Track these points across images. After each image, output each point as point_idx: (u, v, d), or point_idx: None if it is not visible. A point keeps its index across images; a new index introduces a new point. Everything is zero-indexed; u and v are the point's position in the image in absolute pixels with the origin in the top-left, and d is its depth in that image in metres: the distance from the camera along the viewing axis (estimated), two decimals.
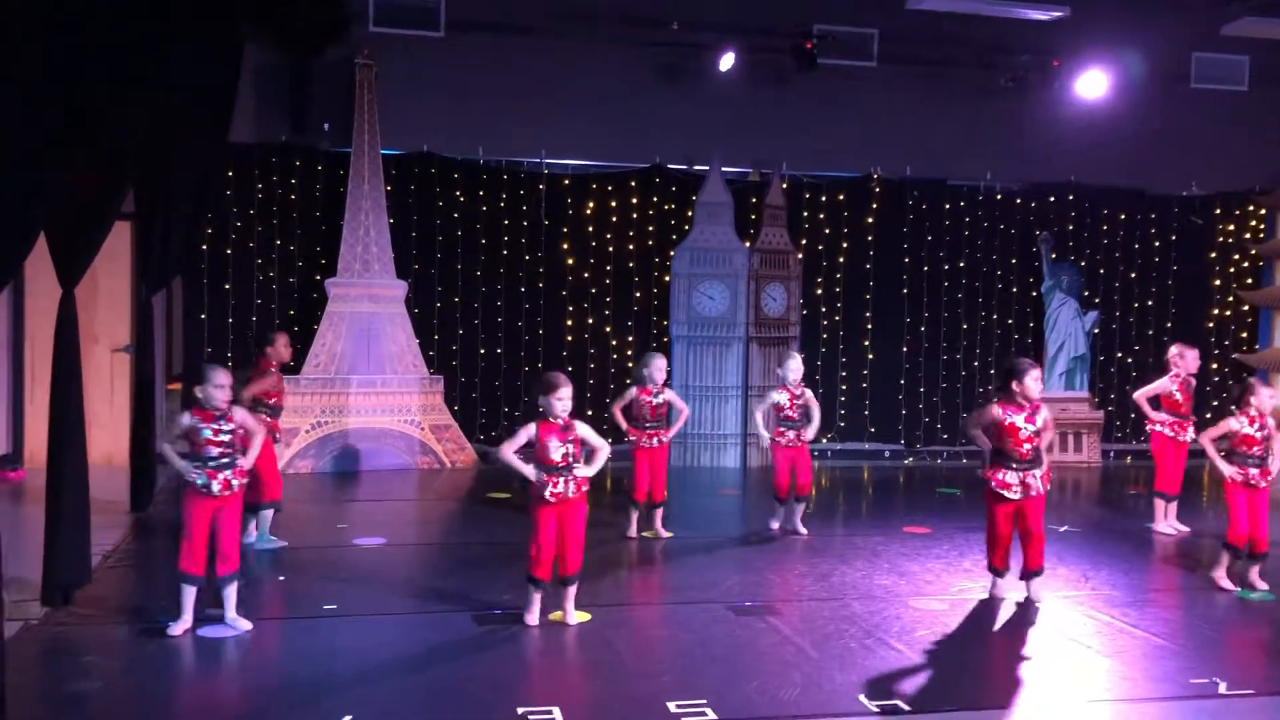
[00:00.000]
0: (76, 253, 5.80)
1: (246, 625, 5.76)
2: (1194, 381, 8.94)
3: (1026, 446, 6.44)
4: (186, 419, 5.69)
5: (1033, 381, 6.44)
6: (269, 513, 7.60)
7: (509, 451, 5.80)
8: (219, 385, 5.70)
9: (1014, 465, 6.45)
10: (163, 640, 5.59)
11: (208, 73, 7.52)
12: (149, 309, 8.96)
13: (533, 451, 5.84)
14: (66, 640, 5.58)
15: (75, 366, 5.89)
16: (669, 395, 8.26)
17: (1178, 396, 8.73)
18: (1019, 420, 6.44)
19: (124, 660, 5.33)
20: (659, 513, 8.27)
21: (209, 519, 5.67)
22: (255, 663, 5.39)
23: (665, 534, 8.21)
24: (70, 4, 4.12)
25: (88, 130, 4.91)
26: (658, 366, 8.18)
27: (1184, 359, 8.78)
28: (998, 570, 6.74)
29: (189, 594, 5.69)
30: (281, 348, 7.58)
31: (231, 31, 7.97)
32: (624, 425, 8.25)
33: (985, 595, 6.78)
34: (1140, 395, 8.92)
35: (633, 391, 8.18)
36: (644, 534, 8.22)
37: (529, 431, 5.84)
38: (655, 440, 8.16)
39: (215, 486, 5.64)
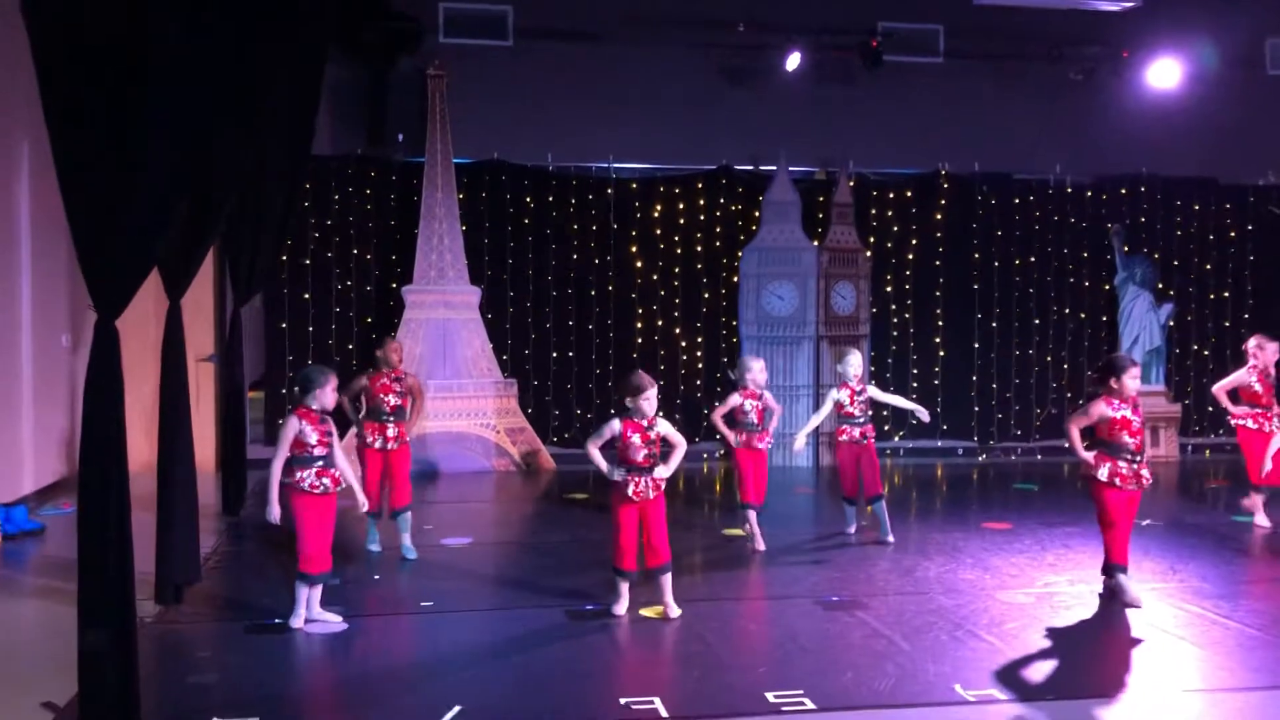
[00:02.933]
0: (182, 268, 6.05)
1: (338, 620, 5.96)
2: (1274, 373, 8.83)
3: (1140, 439, 6.40)
4: (295, 424, 5.86)
5: (1131, 380, 6.40)
6: (409, 515, 7.68)
7: (594, 448, 6.02)
8: (333, 388, 5.95)
9: (1128, 457, 6.36)
10: (273, 635, 5.81)
11: (297, 94, 7.75)
12: (237, 320, 9.24)
13: (615, 447, 6.02)
14: (182, 636, 5.82)
15: (183, 375, 6.14)
16: (769, 397, 8.09)
17: (1257, 388, 8.64)
18: (1128, 413, 6.39)
19: (238, 654, 5.55)
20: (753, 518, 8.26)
21: (320, 517, 5.88)
22: (363, 656, 5.56)
23: (759, 537, 8.13)
24: (178, 50, 4.35)
25: (202, 162, 5.13)
26: (758, 368, 8.00)
27: (1264, 350, 8.68)
28: (1122, 567, 6.50)
29: (304, 591, 5.90)
30: (390, 353, 7.72)
31: (315, 51, 8.20)
32: (728, 433, 7.94)
33: (1070, 587, 6.77)
34: (1219, 389, 8.82)
35: (736, 397, 7.94)
36: (727, 530, 8.30)
37: (613, 428, 6.02)
38: (763, 443, 7.95)
39: (327, 483, 5.86)
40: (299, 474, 5.81)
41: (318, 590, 6.00)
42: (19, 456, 9.12)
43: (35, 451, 9.31)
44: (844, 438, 8.14)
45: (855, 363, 8.22)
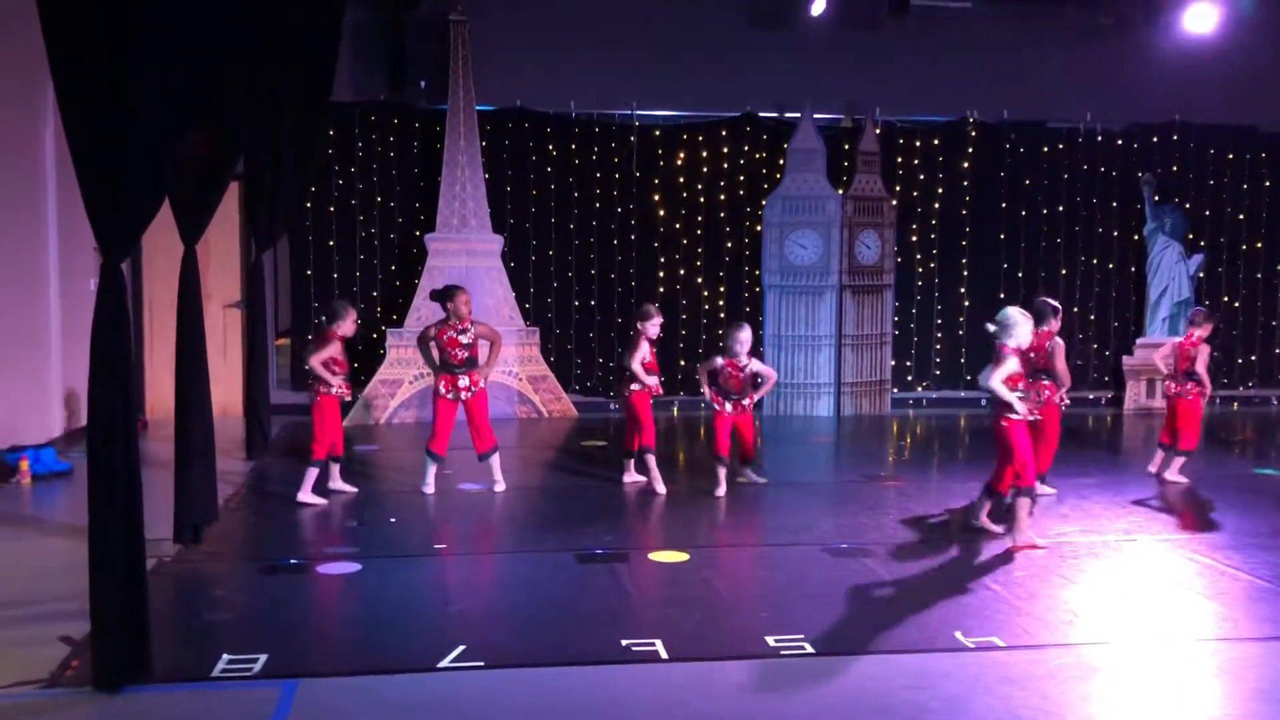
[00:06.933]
0: (197, 212, 6.10)
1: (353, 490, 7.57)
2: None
3: None
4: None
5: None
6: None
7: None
8: (465, 301, 7.80)
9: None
10: (287, 575, 5.94)
11: (312, 33, 7.74)
12: (259, 267, 9.33)
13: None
14: (198, 575, 5.95)
15: (198, 318, 6.22)
16: (756, 365, 8.11)
17: None
18: None
19: (251, 593, 5.67)
20: (749, 469, 8.35)
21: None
22: (373, 596, 5.66)
23: (760, 479, 8.29)
24: None
25: (208, 98, 5.15)
26: (742, 339, 7.99)
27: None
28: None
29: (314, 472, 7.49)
30: (460, 305, 7.80)
31: None
32: (708, 390, 8.06)
33: (1082, 537, 6.77)
34: None
35: (718, 361, 8.03)
36: (738, 480, 8.33)
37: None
38: (739, 409, 8.01)
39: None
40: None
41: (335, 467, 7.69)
42: (48, 399, 9.30)
43: (64, 395, 9.48)
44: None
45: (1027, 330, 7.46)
